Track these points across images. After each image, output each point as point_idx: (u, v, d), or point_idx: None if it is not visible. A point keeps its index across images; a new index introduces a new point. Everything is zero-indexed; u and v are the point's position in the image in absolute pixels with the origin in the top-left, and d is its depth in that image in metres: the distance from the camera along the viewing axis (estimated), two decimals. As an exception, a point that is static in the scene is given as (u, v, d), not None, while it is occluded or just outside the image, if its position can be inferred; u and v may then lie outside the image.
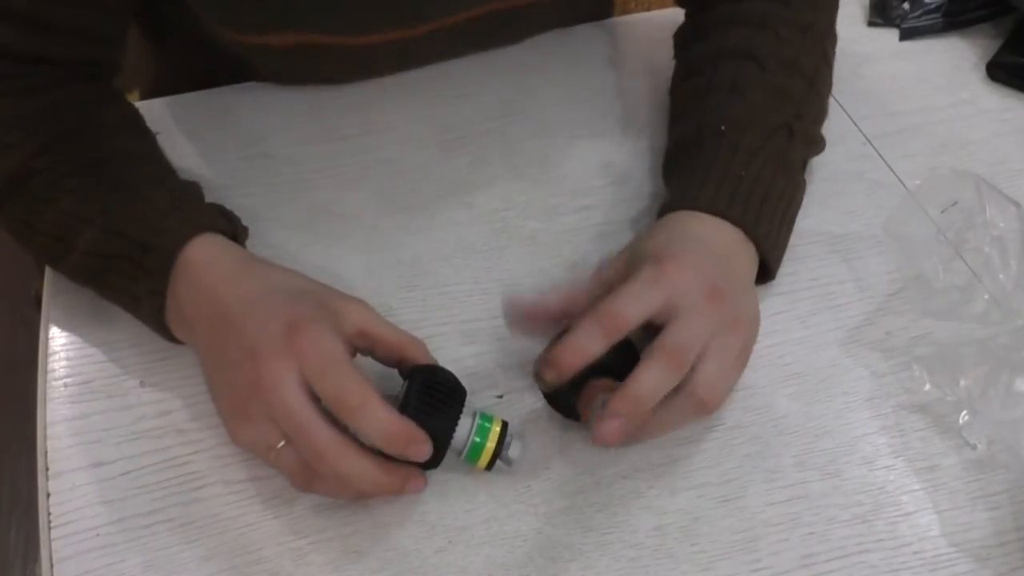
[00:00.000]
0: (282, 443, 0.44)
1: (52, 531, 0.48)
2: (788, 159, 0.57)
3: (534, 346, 0.55)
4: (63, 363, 0.54)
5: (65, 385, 0.53)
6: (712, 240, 0.52)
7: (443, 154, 0.66)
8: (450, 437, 0.47)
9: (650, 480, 0.50)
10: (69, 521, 0.48)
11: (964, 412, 0.52)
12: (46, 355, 0.55)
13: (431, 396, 0.46)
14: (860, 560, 0.48)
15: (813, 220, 0.59)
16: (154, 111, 0.67)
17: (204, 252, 0.49)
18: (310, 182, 0.64)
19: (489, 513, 0.49)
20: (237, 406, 0.45)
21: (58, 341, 0.55)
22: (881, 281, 0.60)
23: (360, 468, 0.44)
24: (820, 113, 0.62)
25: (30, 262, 0.61)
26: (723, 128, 0.56)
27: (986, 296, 0.56)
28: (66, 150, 0.52)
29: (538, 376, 0.48)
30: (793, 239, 0.58)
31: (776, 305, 0.58)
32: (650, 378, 0.46)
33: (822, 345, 0.56)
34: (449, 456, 0.48)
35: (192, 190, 0.54)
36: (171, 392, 0.51)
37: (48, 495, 0.49)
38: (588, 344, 0.46)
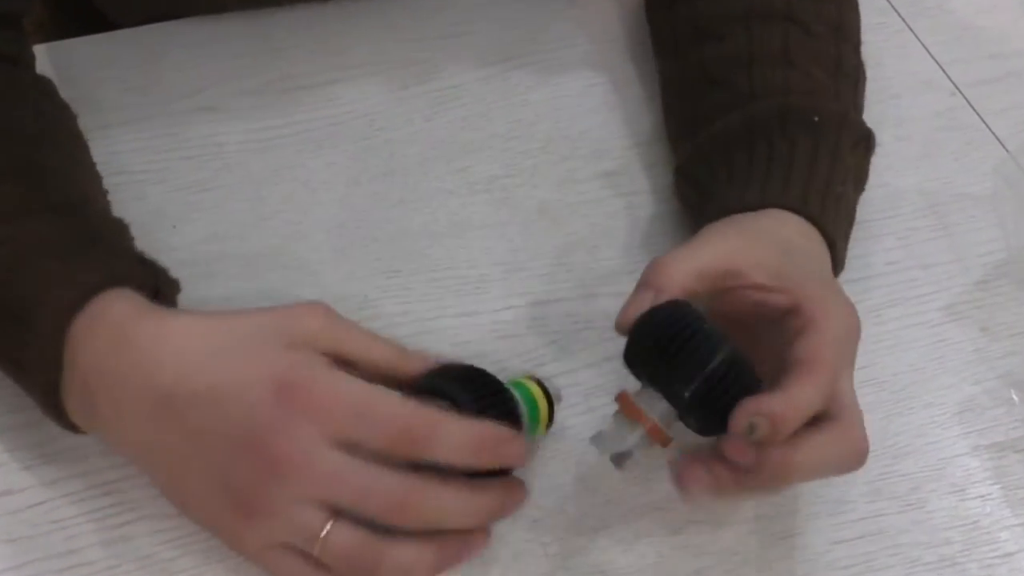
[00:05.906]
0: (329, 525, 0.41)
1: (-55, 577, 0.46)
2: (863, 174, 0.57)
3: (537, 347, 0.55)
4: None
5: (-38, 397, 0.52)
6: (819, 255, 0.51)
7: (431, 108, 0.64)
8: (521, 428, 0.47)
9: (688, 513, 0.49)
10: (-35, 565, 0.47)
11: (1079, 430, 0.51)
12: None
13: (476, 397, 0.45)
14: (950, 614, 0.48)
15: (888, 189, 0.59)
16: (68, 55, 0.64)
17: (114, 313, 0.44)
18: (265, 141, 0.62)
19: (490, 554, 0.47)
20: (243, 505, 0.42)
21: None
22: (975, 264, 0.59)
23: (455, 497, 0.42)
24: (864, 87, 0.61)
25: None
26: (817, 120, 0.55)
27: (1104, 282, 0.55)
28: None
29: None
30: (862, 213, 0.56)
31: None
32: (803, 395, 0.43)
33: (901, 345, 0.56)
34: None
35: (111, 228, 0.50)
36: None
37: (-59, 532, 0.48)
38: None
